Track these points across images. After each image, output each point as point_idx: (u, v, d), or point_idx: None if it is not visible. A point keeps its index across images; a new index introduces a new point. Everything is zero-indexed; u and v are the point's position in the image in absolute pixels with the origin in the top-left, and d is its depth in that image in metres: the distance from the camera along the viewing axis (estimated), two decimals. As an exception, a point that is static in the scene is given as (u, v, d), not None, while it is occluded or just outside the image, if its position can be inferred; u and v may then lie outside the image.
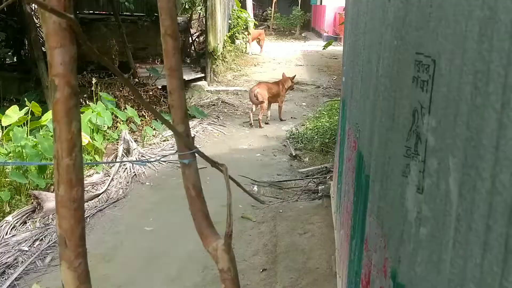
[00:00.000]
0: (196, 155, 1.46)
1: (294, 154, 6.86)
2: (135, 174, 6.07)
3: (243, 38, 15.54)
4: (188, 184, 1.46)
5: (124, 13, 12.95)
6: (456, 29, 1.03)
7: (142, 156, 6.56)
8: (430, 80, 1.19)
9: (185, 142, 1.45)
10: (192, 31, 13.56)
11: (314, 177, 6.00)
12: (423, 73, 1.24)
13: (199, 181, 1.46)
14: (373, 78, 2.09)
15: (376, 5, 2.14)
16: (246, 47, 15.95)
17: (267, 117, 8.73)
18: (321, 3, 24.61)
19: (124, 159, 6.33)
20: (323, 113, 8.66)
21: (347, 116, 3.28)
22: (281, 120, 8.80)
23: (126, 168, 6.12)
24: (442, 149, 1.07)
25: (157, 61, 9.86)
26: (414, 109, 1.30)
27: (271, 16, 27.23)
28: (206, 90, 10.61)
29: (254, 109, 8.58)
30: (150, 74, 9.41)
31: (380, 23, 1.95)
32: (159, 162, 6.57)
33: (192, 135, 1.51)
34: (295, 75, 9.15)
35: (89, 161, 6.01)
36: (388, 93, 1.65)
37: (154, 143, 7.30)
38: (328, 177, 5.83)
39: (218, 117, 8.97)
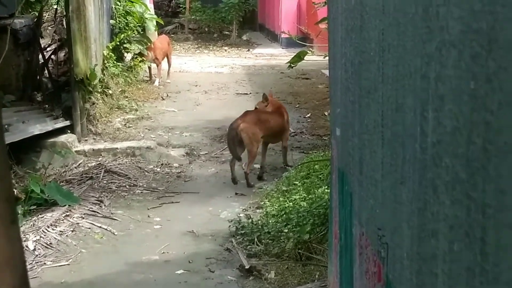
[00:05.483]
0: None
1: (247, 267, 6.69)
2: None
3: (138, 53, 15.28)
4: None
5: None
6: None
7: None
8: None
9: None
10: (43, 42, 13.41)
11: (290, 311, 5.85)
12: None
13: None
14: (412, 145, 2.02)
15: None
16: (150, 74, 15.78)
17: (263, 168, 9.62)
18: (272, -17, 25.25)
19: None
20: (295, 184, 8.62)
21: (354, 207, 3.17)
22: (287, 166, 9.68)
23: None
24: None
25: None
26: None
27: (185, 9, 27.59)
28: (76, 151, 10.47)
29: (235, 163, 9.30)
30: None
31: (420, 36, 1.91)
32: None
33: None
34: (264, 94, 9.78)
35: None
36: (464, 191, 1.45)
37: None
38: (315, 309, 5.67)
39: (101, 201, 8.76)
